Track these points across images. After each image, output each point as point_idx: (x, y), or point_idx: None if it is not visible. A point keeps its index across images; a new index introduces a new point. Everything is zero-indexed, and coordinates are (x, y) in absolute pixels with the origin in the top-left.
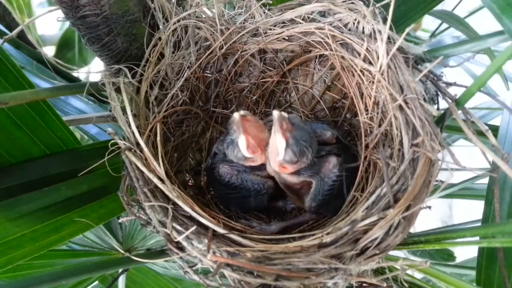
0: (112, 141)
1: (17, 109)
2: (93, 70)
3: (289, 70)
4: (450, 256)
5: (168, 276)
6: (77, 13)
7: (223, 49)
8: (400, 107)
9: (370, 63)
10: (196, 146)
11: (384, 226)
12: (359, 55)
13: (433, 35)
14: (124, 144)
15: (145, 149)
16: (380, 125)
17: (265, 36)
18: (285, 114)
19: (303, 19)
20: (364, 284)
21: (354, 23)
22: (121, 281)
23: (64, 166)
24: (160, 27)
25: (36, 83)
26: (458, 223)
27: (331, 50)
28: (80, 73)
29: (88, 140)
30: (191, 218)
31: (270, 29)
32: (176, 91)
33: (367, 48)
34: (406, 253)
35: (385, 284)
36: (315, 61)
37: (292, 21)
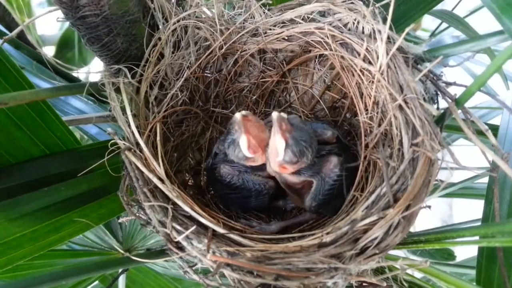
0: (112, 141)
1: (17, 109)
2: (93, 70)
3: (289, 70)
4: (450, 255)
5: (168, 275)
6: (77, 14)
7: (223, 49)
8: (400, 106)
9: (370, 63)
10: (195, 146)
11: (384, 226)
12: (359, 55)
13: (433, 34)
14: (124, 144)
15: (145, 149)
16: (380, 125)
17: (264, 36)
18: (284, 115)
19: (302, 19)
20: (364, 284)
21: (354, 23)
22: (121, 281)
23: (64, 166)
24: (160, 27)
25: (36, 83)
26: (458, 222)
27: (331, 50)
28: (80, 73)
29: (88, 140)
30: (191, 218)
31: (270, 29)
32: (175, 91)
33: (366, 48)
34: (406, 253)
35: (385, 284)
36: (315, 61)
37: (292, 21)
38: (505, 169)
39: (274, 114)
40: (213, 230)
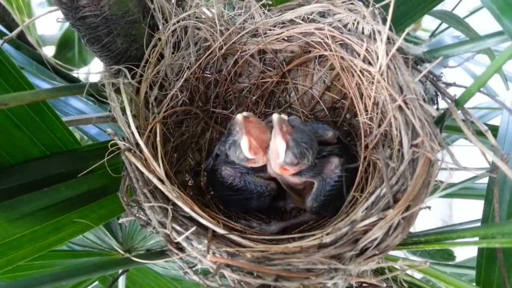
0: (112, 141)
1: (17, 110)
2: (93, 70)
3: (289, 71)
4: (450, 255)
5: (168, 276)
6: (77, 14)
7: (223, 50)
8: (400, 107)
9: (369, 63)
10: (195, 146)
11: (384, 227)
12: (359, 55)
13: (433, 35)
14: (124, 144)
15: (145, 149)
16: (379, 126)
17: (264, 37)
18: (284, 117)
19: (302, 20)
20: (364, 284)
21: (353, 24)
22: (121, 281)
23: (64, 166)
24: (160, 27)
25: (36, 83)
26: (458, 222)
27: (331, 50)
28: (80, 74)
29: (87, 140)
30: (191, 219)
31: (270, 30)
32: (175, 91)
33: (366, 49)
34: (406, 253)
35: (384, 284)
36: (315, 62)
37: (291, 21)
38: (505, 170)
39: (275, 116)
40: (213, 231)
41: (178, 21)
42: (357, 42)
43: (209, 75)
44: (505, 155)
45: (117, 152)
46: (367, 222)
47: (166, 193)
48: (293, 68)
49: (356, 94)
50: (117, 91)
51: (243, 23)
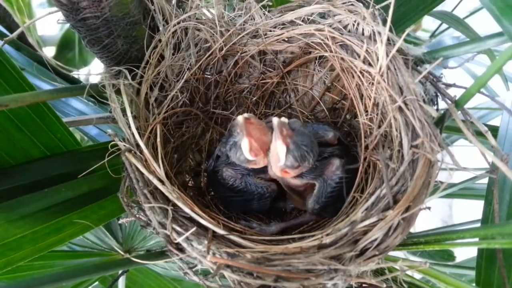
0: (112, 142)
1: (18, 111)
2: (93, 71)
3: (289, 72)
4: (450, 256)
5: (169, 276)
6: (77, 16)
7: (223, 51)
8: (400, 108)
9: (369, 64)
10: (196, 147)
11: (384, 227)
12: (359, 56)
13: (433, 35)
14: (124, 145)
15: (145, 150)
16: (379, 126)
17: (265, 38)
18: (285, 120)
19: (302, 21)
20: (363, 285)
21: (353, 25)
22: (121, 282)
23: (64, 167)
24: (160, 29)
25: (36, 84)
26: (458, 222)
27: (331, 51)
28: (81, 75)
29: (88, 141)
30: (191, 219)
31: (270, 31)
32: (176, 92)
33: (366, 50)
34: (406, 253)
35: (384, 285)
36: (315, 63)
37: (292, 22)
38: (505, 170)
39: (275, 120)
40: (213, 232)
41: (178, 22)
42: (357, 43)
43: (209, 76)
44: (505, 155)
45: (117, 153)
46: (367, 222)
47: (166, 193)
48: (293, 69)
49: (356, 95)
50: (118, 92)
51: (243, 24)
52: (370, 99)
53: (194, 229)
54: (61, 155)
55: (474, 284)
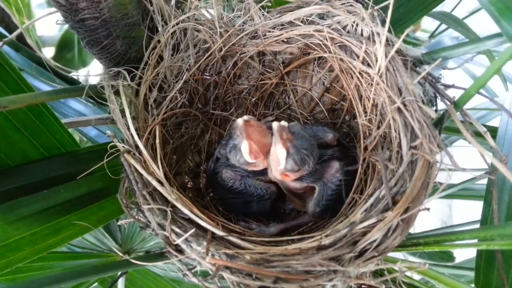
0: (111, 143)
1: (16, 112)
2: (93, 72)
3: (288, 72)
4: (449, 256)
5: (168, 277)
6: (76, 16)
7: (222, 52)
8: (399, 109)
9: (368, 65)
10: (195, 148)
11: (383, 228)
12: (358, 57)
13: (432, 35)
14: (123, 146)
15: (144, 151)
16: (378, 127)
17: (264, 39)
18: (285, 124)
19: (302, 22)
20: (362, 286)
21: (352, 26)
22: (121, 283)
23: (63, 168)
24: (159, 29)
25: (35, 85)
26: (457, 223)
27: (330, 52)
28: (80, 76)
29: (87, 142)
30: (190, 221)
31: (269, 32)
32: (175, 93)
33: (365, 51)
34: (405, 254)
35: (383, 286)
36: (314, 63)
37: (291, 23)
38: (504, 171)
39: (275, 124)
40: (212, 233)
41: (177, 23)
42: (356, 44)
43: (208, 77)
44: (504, 156)
45: (116, 154)
46: (366, 224)
47: (165, 195)
48: (292, 70)
49: (355, 96)
50: (117, 93)
51: (242, 25)
52: (369, 100)
53: (193, 230)
54: (60, 156)
55: (473, 285)
